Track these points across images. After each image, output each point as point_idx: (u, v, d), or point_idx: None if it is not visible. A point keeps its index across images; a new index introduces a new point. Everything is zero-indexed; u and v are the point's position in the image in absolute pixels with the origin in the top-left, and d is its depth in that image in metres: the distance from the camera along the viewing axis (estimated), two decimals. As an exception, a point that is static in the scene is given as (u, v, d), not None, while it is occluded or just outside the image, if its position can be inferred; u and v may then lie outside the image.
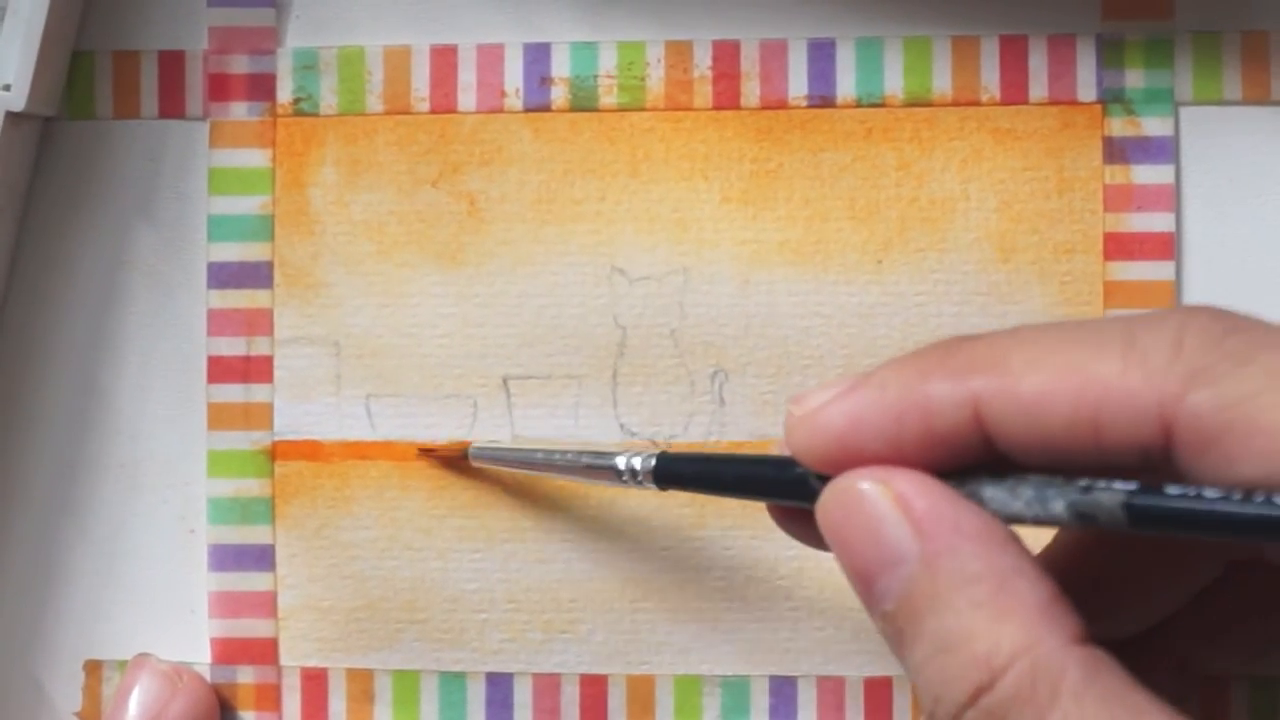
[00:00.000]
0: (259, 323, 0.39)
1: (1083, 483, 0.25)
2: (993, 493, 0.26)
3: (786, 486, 0.29)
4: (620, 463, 0.33)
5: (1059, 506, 0.26)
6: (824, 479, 0.28)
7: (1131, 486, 0.25)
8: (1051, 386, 0.25)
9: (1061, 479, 0.26)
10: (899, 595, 0.26)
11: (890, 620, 0.26)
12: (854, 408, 0.27)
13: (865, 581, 0.27)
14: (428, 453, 0.38)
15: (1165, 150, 0.37)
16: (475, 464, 0.37)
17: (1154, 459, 0.25)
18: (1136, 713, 0.24)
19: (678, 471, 0.32)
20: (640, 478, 0.33)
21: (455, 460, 0.38)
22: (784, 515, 0.30)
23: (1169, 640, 0.31)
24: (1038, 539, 0.28)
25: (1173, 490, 0.25)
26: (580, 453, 0.35)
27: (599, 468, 0.34)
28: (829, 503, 0.27)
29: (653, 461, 0.33)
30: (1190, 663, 0.32)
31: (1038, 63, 0.37)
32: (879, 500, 0.26)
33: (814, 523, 0.28)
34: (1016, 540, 0.26)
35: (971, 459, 0.27)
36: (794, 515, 0.30)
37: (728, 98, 0.38)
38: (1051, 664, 0.24)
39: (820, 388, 0.28)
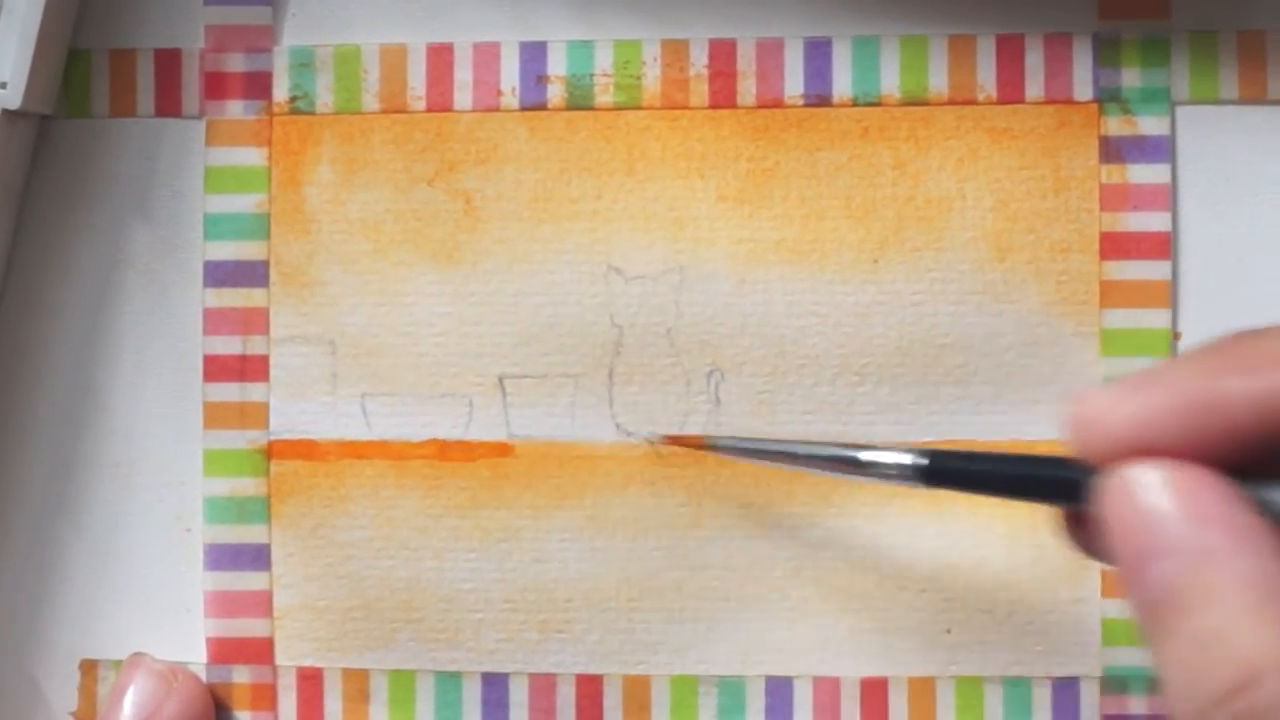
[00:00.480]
0: (255, 321, 0.39)
1: None
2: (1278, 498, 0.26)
3: (1063, 487, 0.28)
4: (889, 458, 0.32)
5: None
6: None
7: None
8: None
9: None
10: (1167, 586, 0.25)
11: (1152, 611, 0.26)
12: (1142, 407, 0.26)
13: (1135, 568, 0.26)
14: (672, 441, 0.37)
15: (1161, 149, 0.37)
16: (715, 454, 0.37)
17: None
18: None
19: (952, 469, 0.31)
20: (910, 475, 0.31)
21: (695, 449, 0.37)
22: (1071, 527, 0.30)
23: None
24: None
25: None
26: (831, 444, 0.34)
27: (853, 462, 0.33)
28: (1112, 487, 0.27)
29: (925, 460, 0.31)
30: None
31: (1034, 62, 0.37)
32: (1160, 490, 0.26)
33: (1096, 534, 0.28)
34: None
35: (1266, 460, 0.26)
36: (1081, 527, 0.29)
37: (724, 96, 0.38)
38: None
39: (1102, 388, 0.27)
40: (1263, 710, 0.24)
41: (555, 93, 0.38)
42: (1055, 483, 0.29)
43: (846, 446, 0.33)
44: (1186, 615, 0.25)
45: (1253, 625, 0.24)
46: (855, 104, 0.38)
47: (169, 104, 0.39)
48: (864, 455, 0.32)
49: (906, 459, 0.32)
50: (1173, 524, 0.26)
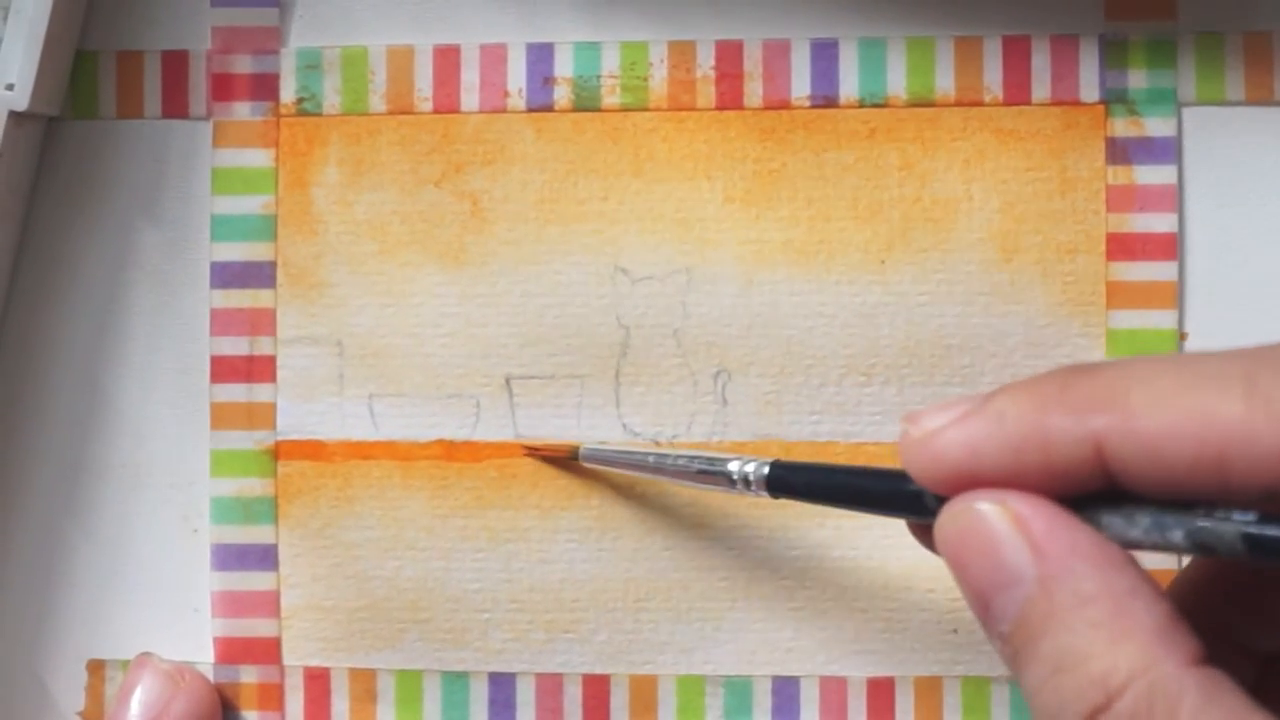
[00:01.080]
0: (262, 322, 0.39)
1: (1201, 512, 0.25)
2: (1110, 519, 0.26)
3: (903, 501, 0.29)
4: (734, 469, 0.33)
5: (1177, 535, 0.25)
6: (941, 499, 0.27)
7: (1250, 517, 0.25)
8: (1174, 428, 0.25)
9: (1179, 508, 0.26)
10: (1015, 616, 0.26)
11: (1007, 641, 0.26)
12: (971, 437, 0.27)
13: (982, 602, 0.27)
14: (534, 451, 0.38)
15: (1168, 150, 0.37)
16: (586, 465, 0.37)
17: None
18: None
19: (791, 481, 0.32)
20: (754, 485, 0.33)
21: (563, 460, 0.38)
22: (921, 534, 0.30)
23: None
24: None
25: None
26: (693, 458, 0.35)
27: (712, 473, 0.34)
28: (946, 523, 0.27)
29: (765, 470, 0.32)
30: None
31: (1041, 63, 0.37)
32: (997, 521, 0.26)
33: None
34: (1134, 563, 0.26)
35: (1090, 490, 0.26)
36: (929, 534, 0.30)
37: (731, 98, 0.38)
38: (1169, 686, 0.24)
39: (934, 409, 0.28)
40: None
41: (562, 94, 0.38)
42: (896, 498, 0.29)
43: (712, 459, 0.34)
44: (1038, 642, 0.25)
45: (1104, 643, 0.25)
46: (862, 105, 0.38)
47: (176, 105, 0.39)
48: (729, 466, 0.33)
49: (750, 469, 0.33)
50: (1011, 553, 0.26)
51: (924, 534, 0.30)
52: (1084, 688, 0.25)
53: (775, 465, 0.32)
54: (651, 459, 0.36)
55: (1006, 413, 0.27)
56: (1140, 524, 0.26)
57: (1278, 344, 0.26)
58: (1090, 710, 0.25)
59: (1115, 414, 0.26)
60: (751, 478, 0.33)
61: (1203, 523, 0.25)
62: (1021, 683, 0.26)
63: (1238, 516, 0.25)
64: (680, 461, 0.35)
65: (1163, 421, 0.25)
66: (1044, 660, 0.25)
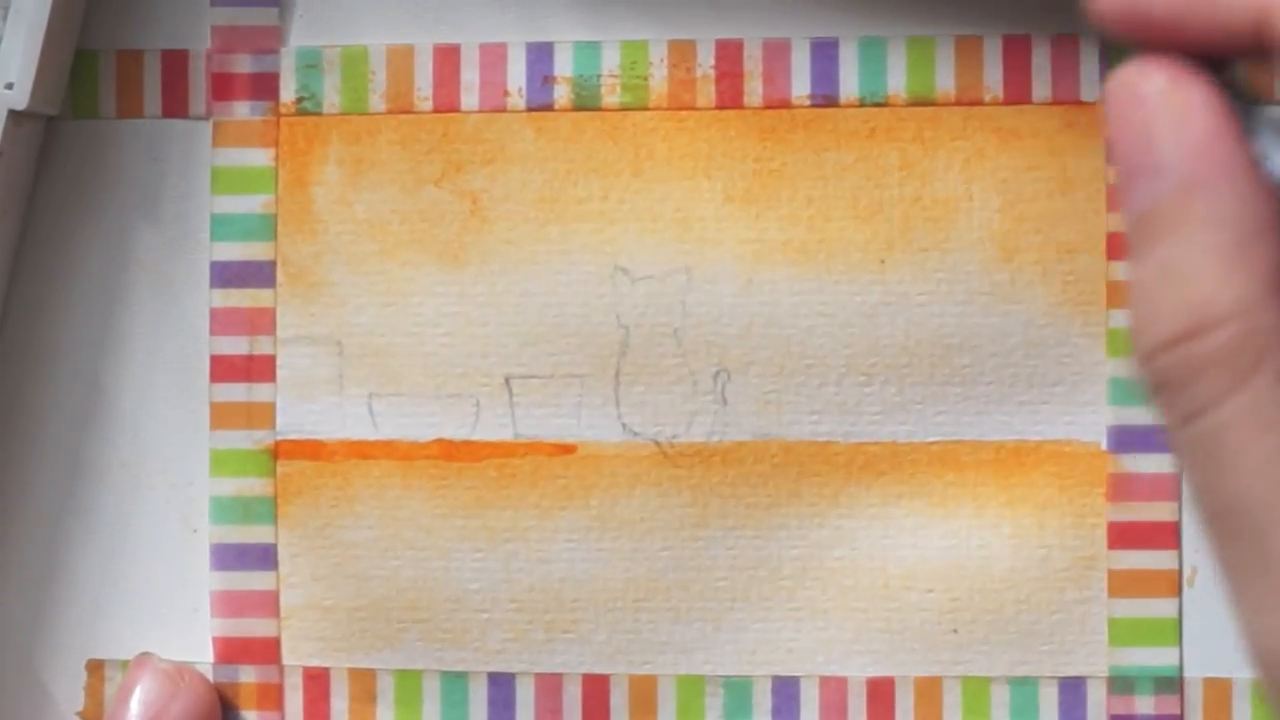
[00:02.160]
0: (261, 322, 0.39)
1: None
2: (1273, 150, 0.25)
3: None
4: None
5: None
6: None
7: None
8: None
9: None
10: (1146, 208, 0.25)
11: (1134, 229, 0.25)
12: None
13: (1127, 180, 0.25)
14: None
15: (1168, 150, 0.37)
16: None
17: None
18: None
19: None
20: None
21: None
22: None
23: None
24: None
25: None
26: None
27: None
28: (1115, 86, 0.26)
29: None
30: None
31: (1041, 62, 0.37)
32: (1162, 103, 0.25)
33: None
34: (1276, 203, 0.24)
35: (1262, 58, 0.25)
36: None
37: (731, 97, 0.38)
38: (1266, 337, 0.23)
39: None
40: (1207, 358, 0.23)
41: (562, 93, 0.38)
42: None
43: None
44: (1157, 243, 0.24)
45: (1219, 266, 0.24)
46: (862, 105, 0.38)
47: (176, 105, 0.39)
48: None
49: None
50: (1166, 144, 0.25)
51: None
52: (1180, 307, 0.24)
53: None
54: None
55: None
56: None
57: None
58: (1179, 332, 0.24)
59: None
60: None
61: None
62: (1131, 279, 0.25)
63: None
64: None
65: None
66: (1154, 263, 0.24)
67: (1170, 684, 0.37)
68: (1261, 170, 0.25)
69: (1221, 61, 0.25)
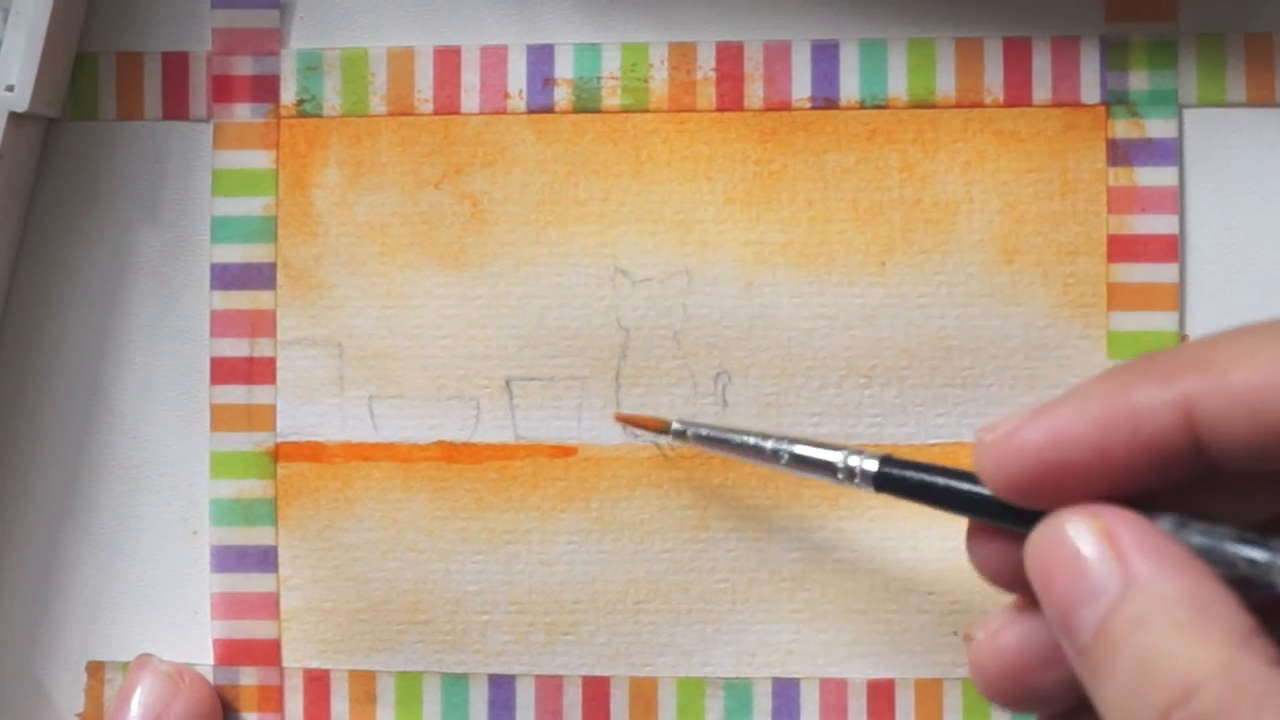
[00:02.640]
0: (262, 324, 0.39)
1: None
2: (1197, 538, 0.26)
3: (1013, 510, 0.28)
4: (838, 460, 0.32)
5: (1258, 555, 0.26)
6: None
7: None
8: (1264, 377, 0.25)
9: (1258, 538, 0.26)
10: (1096, 626, 0.26)
11: (1087, 654, 0.26)
12: (1055, 423, 0.27)
13: (1065, 616, 0.26)
14: (625, 420, 0.37)
15: (1169, 152, 0.37)
16: (673, 440, 0.37)
17: None
18: None
19: (900, 478, 0.31)
20: (858, 479, 0.32)
21: (655, 432, 0.37)
22: (983, 552, 0.30)
23: None
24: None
25: None
26: (794, 440, 0.33)
27: (814, 462, 0.33)
28: (1036, 540, 0.27)
29: (874, 465, 0.31)
30: None
31: (1041, 64, 0.37)
32: (1085, 533, 0.26)
33: (1008, 561, 0.28)
34: (1217, 575, 0.26)
35: (1178, 470, 0.26)
36: (992, 553, 0.29)
37: (731, 99, 0.38)
38: (1253, 682, 0.24)
39: (1012, 414, 0.27)
40: (1205, 715, 0.24)
41: (562, 95, 0.38)
42: (1005, 504, 0.28)
43: (815, 445, 0.33)
44: (1119, 649, 0.25)
45: (1185, 642, 0.25)
46: (863, 107, 0.38)
47: (176, 107, 0.39)
48: (833, 457, 0.32)
49: (856, 462, 0.32)
50: (1097, 565, 0.26)
51: (993, 562, 0.29)
52: (1163, 685, 0.24)
53: (885, 461, 0.31)
54: (749, 441, 0.34)
55: (1091, 393, 0.27)
56: (1226, 537, 0.26)
57: None
58: (1166, 706, 0.24)
59: (1203, 373, 0.26)
60: (858, 473, 0.31)
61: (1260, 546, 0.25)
62: (1099, 698, 0.26)
63: None
64: (778, 447, 0.34)
65: (1250, 371, 0.25)
66: (1124, 666, 0.25)
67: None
68: (1194, 552, 0.26)
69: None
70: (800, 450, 0.33)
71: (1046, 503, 0.27)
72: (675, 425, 0.36)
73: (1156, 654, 0.25)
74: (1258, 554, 0.26)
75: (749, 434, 0.35)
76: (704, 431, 0.36)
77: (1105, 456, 0.26)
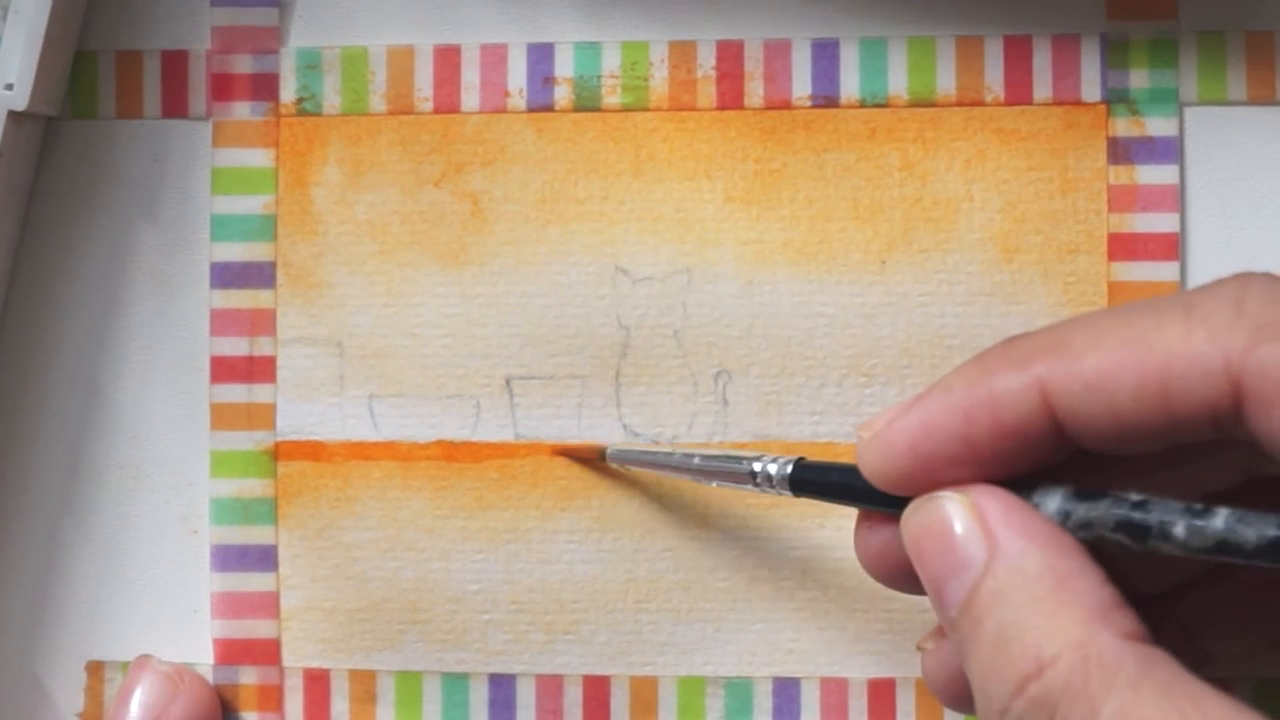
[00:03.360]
0: (262, 323, 0.39)
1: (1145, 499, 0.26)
2: (1072, 507, 0.27)
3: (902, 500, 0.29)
4: (756, 468, 0.33)
5: (1120, 518, 0.26)
6: None
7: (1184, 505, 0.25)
8: (1115, 359, 0.26)
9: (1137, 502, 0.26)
10: (963, 599, 0.26)
11: (955, 628, 0.26)
12: (922, 416, 0.27)
13: (936, 590, 0.27)
14: (563, 453, 0.38)
15: (1170, 150, 0.37)
16: (612, 465, 0.37)
17: (1224, 422, 0.25)
18: (1196, 700, 0.24)
19: (813, 480, 0.32)
20: (775, 483, 0.32)
21: (590, 461, 0.38)
22: (877, 556, 0.30)
23: (1174, 606, 0.31)
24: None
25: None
26: (714, 456, 0.35)
27: (734, 472, 0.34)
28: (909, 516, 0.28)
29: (789, 468, 0.32)
30: (1195, 637, 0.32)
31: (1042, 63, 0.37)
32: (955, 509, 0.27)
33: (899, 566, 0.29)
34: (1084, 551, 0.26)
35: (1045, 452, 0.27)
36: (884, 557, 0.30)
37: (731, 98, 0.38)
38: (1105, 656, 0.24)
39: (886, 410, 0.28)
40: (1057, 692, 0.24)
41: (562, 94, 0.38)
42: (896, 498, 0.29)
43: (733, 458, 0.34)
44: (981, 623, 0.26)
45: (1043, 615, 0.25)
46: (863, 105, 0.38)
47: (176, 105, 0.39)
48: (752, 465, 0.33)
49: (773, 469, 0.33)
50: (964, 539, 0.27)
51: (886, 567, 0.30)
52: (1015, 659, 0.25)
53: (798, 465, 0.32)
54: (677, 458, 0.35)
55: (953, 384, 0.27)
56: (1100, 507, 0.26)
57: (1217, 279, 0.26)
58: (1020, 679, 0.25)
59: (1056, 357, 0.26)
60: (774, 477, 0.32)
61: (1146, 508, 0.26)
62: (967, 670, 0.26)
63: (1173, 503, 0.26)
64: (703, 461, 0.35)
65: (1103, 356, 0.26)
66: (986, 639, 0.26)
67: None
68: (1061, 528, 0.26)
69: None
70: (715, 465, 0.34)
71: (926, 492, 0.28)
72: (610, 451, 0.37)
73: (1014, 627, 0.25)
74: (1143, 516, 0.26)
75: (675, 453, 0.36)
76: (636, 456, 0.37)
77: (971, 444, 0.27)
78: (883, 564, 0.30)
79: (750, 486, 0.33)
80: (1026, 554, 0.26)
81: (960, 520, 0.27)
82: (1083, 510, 0.27)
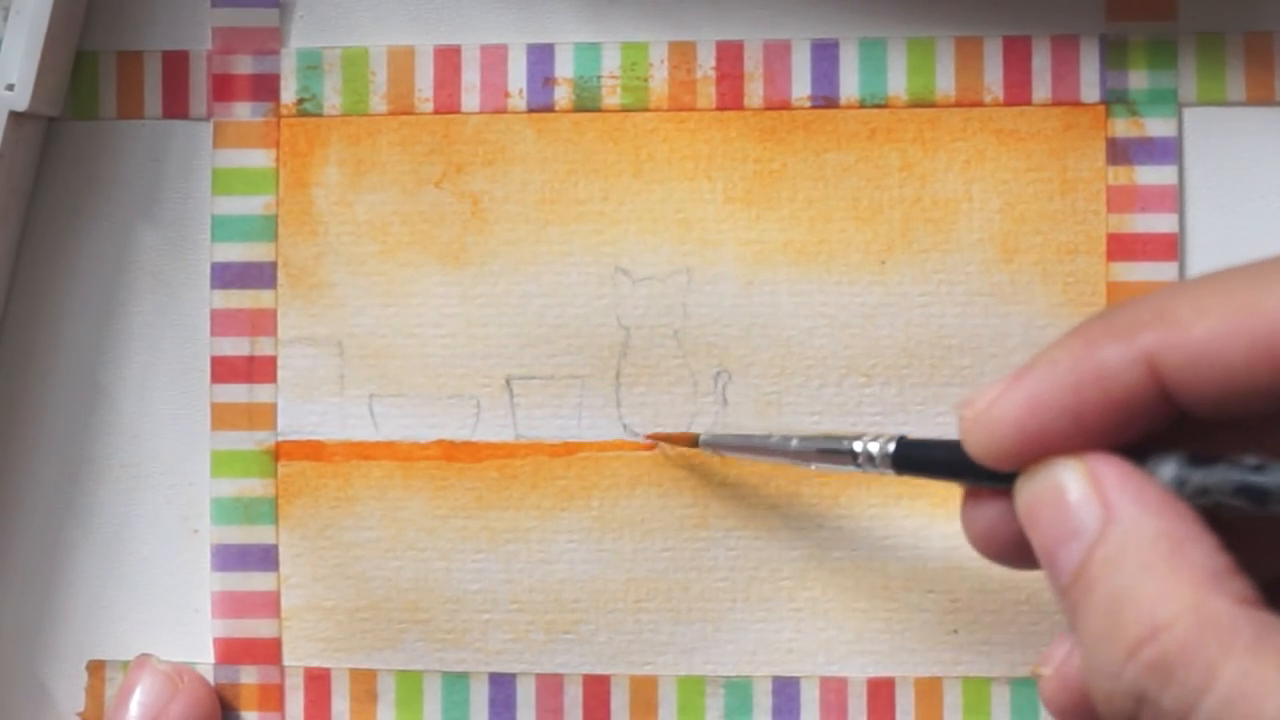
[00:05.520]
0: (262, 323, 0.39)
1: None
2: (1186, 473, 0.26)
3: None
4: (857, 448, 0.32)
5: (1235, 482, 0.26)
6: None
7: None
8: (1225, 328, 0.25)
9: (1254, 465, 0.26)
10: (1075, 566, 0.26)
11: (1066, 594, 0.26)
12: (1028, 392, 0.27)
13: (1049, 557, 0.27)
14: (657, 440, 0.38)
15: (1169, 151, 0.37)
16: (705, 452, 0.37)
17: None
18: None
19: (918, 457, 0.32)
20: (878, 462, 0.32)
21: (684, 448, 0.38)
22: (980, 519, 0.30)
23: None
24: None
25: None
26: (814, 437, 0.34)
27: (835, 452, 0.33)
28: (1023, 486, 0.27)
29: (891, 446, 0.32)
30: None
31: (1041, 63, 0.37)
32: (1070, 476, 0.26)
33: (1004, 529, 0.28)
34: (1199, 517, 0.26)
35: (1155, 423, 0.27)
36: (989, 520, 0.30)
37: (731, 98, 0.38)
38: (1222, 620, 0.24)
39: (985, 387, 0.28)
40: (1173, 655, 0.24)
41: (563, 95, 0.38)
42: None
43: (833, 438, 0.33)
44: (1094, 589, 0.25)
45: (1157, 580, 0.25)
46: (862, 106, 0.38)
47: (176, 106, 0.39)
48: (853, 445, 0.33)
49: (874, 447, 0.32)
50: (1079, 506, 0.26)
51: (985, 518, 0.30)
52: (1129, 624, 0.25)
53: (901, 443, 0.32)
54: (774, 441, 0.35)
55: (1057, 357, 0.27)
56: (1216, 474, 0.26)
57: None
58: (1134, 643, 0.24)
59: (1163, 328, 0.26)
60: (876, 456, 0.32)
61: (1263, 472, 0.25)
62: (1078, 638, 0.26)
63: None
64: (801, 443, 0.34)
65: (1211, 324, 0.25)
66: (1098, 605, 0.25)
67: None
68: (1174, 493, 0.26)
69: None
70: (815, 445, 0.34)
71: (1035, 464, 0.27)
72: (703, 437, 0.37)
73: (1128, 592, 0.25)
74: (1260, 479, 0.26)
75: (772, 436, 0.35)
76: (731, 441, 0.36)
77: (1080, 417, 0.27)
78: (992, 540, 0.30)
79: (852, 467, 0.33)
80: (1141, 520, 0.25)
81: (1075, 487, 0.26)
82: (1199, 476, 0.26)
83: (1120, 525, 0.26)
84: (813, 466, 0.35)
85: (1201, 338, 0.25)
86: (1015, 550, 0.29)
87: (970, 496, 0.30)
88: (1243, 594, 0.25)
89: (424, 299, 0.38)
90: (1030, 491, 0.27)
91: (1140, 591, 0.25)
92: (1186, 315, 0.26)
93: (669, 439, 0.38)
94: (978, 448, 0.28)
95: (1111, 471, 0.26)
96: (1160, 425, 0.27)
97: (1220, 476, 0.26)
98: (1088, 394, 0.26)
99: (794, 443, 0.34)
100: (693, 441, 0.37)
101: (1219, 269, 0.27)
